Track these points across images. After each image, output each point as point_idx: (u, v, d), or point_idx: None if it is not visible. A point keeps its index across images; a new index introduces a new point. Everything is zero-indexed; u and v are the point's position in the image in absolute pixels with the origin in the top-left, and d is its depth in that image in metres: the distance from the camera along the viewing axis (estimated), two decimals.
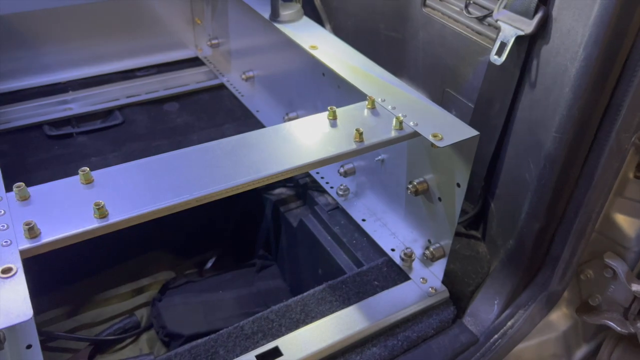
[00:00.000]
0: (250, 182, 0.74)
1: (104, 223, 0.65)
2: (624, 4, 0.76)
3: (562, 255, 0.96)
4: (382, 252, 1.13)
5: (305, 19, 1.22)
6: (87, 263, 1.36)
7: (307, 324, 0.96)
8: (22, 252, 0.60)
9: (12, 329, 0.91)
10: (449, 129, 0.85)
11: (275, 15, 1.18)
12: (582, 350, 1.14)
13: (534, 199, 0.93)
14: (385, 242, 1.13)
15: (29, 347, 0.89)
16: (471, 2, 1.06)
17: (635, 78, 0.81)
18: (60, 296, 1.32)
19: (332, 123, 0.86)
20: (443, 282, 1.04)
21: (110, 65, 1.70)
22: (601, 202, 0.92)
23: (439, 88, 1.19)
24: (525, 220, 0.95)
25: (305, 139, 0.83)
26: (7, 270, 0.57)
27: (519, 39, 0.92)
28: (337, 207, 1.27)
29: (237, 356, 0.90)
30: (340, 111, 0.88)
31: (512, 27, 0.92)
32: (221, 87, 1.69)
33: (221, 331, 0.95)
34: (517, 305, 1.01)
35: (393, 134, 0.85)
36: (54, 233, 0.63)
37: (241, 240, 1.54)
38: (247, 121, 1.53)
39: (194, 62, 1.80)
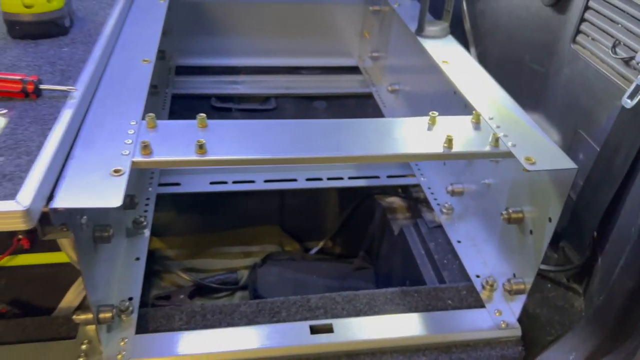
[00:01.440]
0: (327, 157, 0.82)
1: (201, 158, 0.78)
2: None
3: None
4: (467, 277, 1.11)
5: (450, 37, 1.26)
6: (213, 221, 1.56)
7: (366, 315, 1.00)
8: (133, 163, 0.75)
9: (130, 242, 1.10)
10: (546, 156, 0.83)
11: (420, 30, 1.24)
12: None
13: (631, 253, 0.84)
14: (473, 267, 1.11)
15: (137, 259, 1.07)
16: (620, 43, 1.00)
17: None
18: (183, 240, 1.52)
19: (429, 127, 0.90)
20: (521, 321, 0.99)
21: (281, 60, 1.91)
22: None
23: (572, 127, 1.14)
24: (619, 275, 0.87)
25: (397, 135, 0.88)
26: (118, 171, 0.73)
27: None
28: (440, 226, 1.27)
29: (295, 321, 0.97)
30: (442, 118, 0.91)
31: None
32: (369, 96, 1.79)
33: (290, 297, 1.03)
34: None
35: (486, 149, 0.85)
36: (161, 155, 0.77)
37: (348, 238, 1.61)
38: None
39: (354, 70, 1.94)
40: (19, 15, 0.99)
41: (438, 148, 0.84)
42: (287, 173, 1.44)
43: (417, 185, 1.41)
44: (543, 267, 1.11)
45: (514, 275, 1.01)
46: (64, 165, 0.73)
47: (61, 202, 0.67)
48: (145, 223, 1.14)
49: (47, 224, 0.69)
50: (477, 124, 0.91)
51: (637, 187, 0.93)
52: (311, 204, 1.63)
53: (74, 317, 0.85)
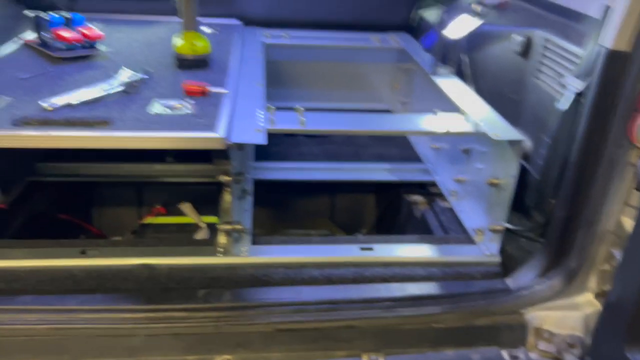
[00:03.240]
0: (376, 130, 1.39)
1: (303, 127, 1.36)
2: None
3: (580, 242, 1.35)
4: (467, 232, 1.63)
5: (455, 77, 1.86)
6: (284, 212, 2.12)
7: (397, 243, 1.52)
8: (268, 129, 1.34)
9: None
10: (507, 134, 1.38)
11: (433, 72, 1.85)
12: None
13: (561, 199, 1.36)
14: (470, 224, 1.63)
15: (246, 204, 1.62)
16: (561, 75, 1.57)
17: None
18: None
19: (434, 118, 1.47)
20: (501, 254, 1.50)
21: (328, 104, 2.52)
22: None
23: (536, 132, 1.68)
24: (555, 208, 1.39)
25: (417, 122, 1.45)
26: (259, 130, 1.31)
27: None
28: (450, 209, 1.80)
29: (346, 244, 1.50)
30: (443, 113, 1.48)
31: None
32: None
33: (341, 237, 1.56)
34: (546, 277, 1.41)
35: (470, 130, 1.42)
36: (278, 126, 1.36)
37: (382, 227, 2.13)
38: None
39: (385, 112, 2.54)
40: (185, 55, 1.63)
41: (442, 129, 1.41)
42: (338, 173, 2.01)
43: (433, 184, 1.95)
44: (519, 228, 1.62)
45: (494, 221, 1.53)
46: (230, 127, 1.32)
47: (234, 139, 1.25)
48: (249, 191, 1.71)
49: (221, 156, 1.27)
50: (465, 119, 1.48)
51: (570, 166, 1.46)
52: (354, 203, 2.19)
53: (221, 226, 1.40)
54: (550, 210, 1.56)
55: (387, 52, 2.42)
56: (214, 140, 1.20)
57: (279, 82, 2.41)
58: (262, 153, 2.05)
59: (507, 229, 1.52)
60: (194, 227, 1.83)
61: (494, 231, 1.49)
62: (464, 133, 1.43)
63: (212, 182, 1.96)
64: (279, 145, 2.14)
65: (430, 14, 2.53)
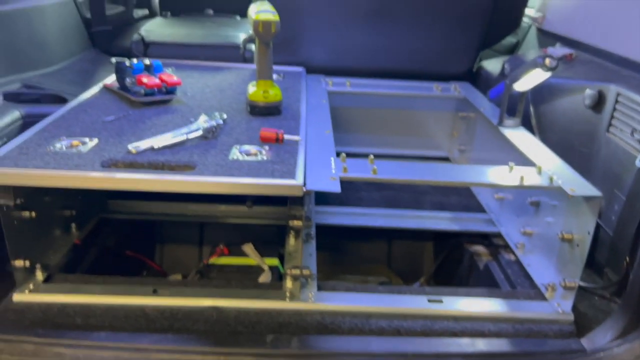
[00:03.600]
0: (447, 181, 1.39)
1: (375, 176, 1.37)
2: None
3: None
4: (537, 287, 1.58)
5: (521, 127, 1.85)
6: (340, 256, 2.12)
7: (465, 296, 1.49)
8: (341, 177, 1.36)
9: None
10: (583, 189, 1.36)
11: (500, 122, 1.84)
12: None
13: None
14: (540, 279, 1.58)
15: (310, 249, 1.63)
16: (635, 129, 1.55)
17: None
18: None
19: (509, 170, 1.45)
20: (574, 311, 1.45)
21: (388, 150, 2.54)
22: None
23: (609, 188, 1.64)
24: (635, 266, 1.34)
25: (490, 174, 1.44)
26: (335, 178, 1.33)
27: None
28: (516, 261, 1.76)
29: (412, 294, 1.48)
30: (516, 167, 1.47)
31: None
32: None
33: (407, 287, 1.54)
34: (625, 339, 1.35)
35: (545, 184, 1.40)
36: (351, 174, 1.38)
37: (441, 276, 2.10)
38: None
39: (444, 160, 2.54)
40: (258, 102, 1.69)
41: (516, 181, 1.40)
42: (397, 220, 2.00)
43: (496, 235, 1.91)
44: (591, 285, 1.57)
45: (567, 277, 1.48)
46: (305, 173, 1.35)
47: (310, 186, 1.27)
48: (312, 236, 1.72)
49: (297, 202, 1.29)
50: (539, 172, 1.46)
51: None
52: (412, 251, 2.17)
53: (289, 270, 1.42)
54: (625, 269, 1.51)
55: (447, 100, 2.44)
56: (294, 187, 1.23)
57: (339, 128, 2.45)
58: (321, 197, 2.07)
59: (579, 287, 1.48)
60: (256, 269, 1.85)
61: (567, 288, 1.45)
62: (538, 187, 1.42)
63: (272, 224, 2.00)
64: None
65: (491, 65, 2.55)
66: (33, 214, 1.39)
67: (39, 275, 1.44)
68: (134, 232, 2.06)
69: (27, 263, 1.40)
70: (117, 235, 1.97)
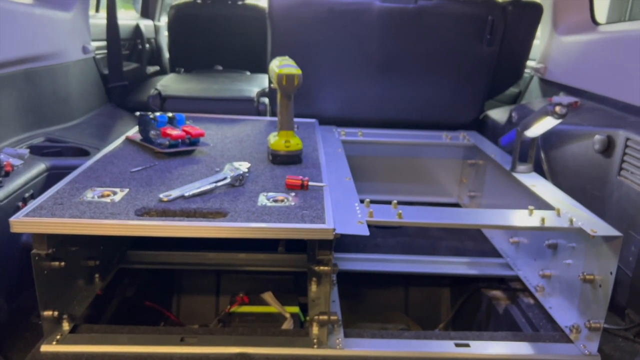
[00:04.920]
0: (465, 223, 1.42)
1: (398, 220, 1.41)
2: None
3: None
4: (560, 329, 1.59)
5: (534, 173, 1.90)
6: (358, 304, 2.12)
7: (492, 340, 1.49)
8: (367, 221, 1.39)
9: None
10: (602, 229, 1.39)
11: (513, 168, 1.90)
12: None
13: None
14: (563, 321, 1.59)
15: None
16: None
17: None
18: None
19: (529, 214, 1.49)
20: (600, 353, 1.45)
21: (398, 197, 2.55)
22: None
23: (625, 229, 1.67)
24: None
25: (511, 217, 1.48)
26: (360, 222, 1.36)
27: None
28: (535, 304, 1.77)
29: (439, 339, 1.49)
30: (536, 211, 1.51)
31: None
32: None
33: (432, 332, 1.55)
34: None
35: (566, 225, 1.43)
36: (377, 218, 1.41)
37: (459, 322, 2.09)
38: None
39: (454, 206, 2.58)
40: (279, 151, 1.74)
41: (537, 223, 1.43)
42: (413, 265, 2.02)
43: (513, 279, 1.93)
44: (614, 327, 1.58)
45: (591, 318, 1.49)
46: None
47: (340, 230, 1.30)
48: (334, 282, 1.74)
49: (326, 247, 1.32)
50: (558, 215, 1.50)
51: None
52: (428, 297, 2.17)
53: (315, 317, 1.42)
54: None
55: (456, 148, 2.51)
56: (325, 231, 1.26)
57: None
58: (339, 244, 2.09)
59: (603, 328, 1.49)
60: (277, 317, 1.84)
61: (592, 329, 1.46)
62: (559, 228, 1.45)
63: (289, 271, 2.02)
64: (354, 236, 2.19)
65: (497, 114, 2.65)
66: (62, 263, 1.41)
67: (66, 325, 1.44)
68: (152, 282, 2.06)
69: (55, 314, 1.40)
70: (136, 286, 1.97)
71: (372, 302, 2.20)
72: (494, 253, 2.10)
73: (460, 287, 2.11)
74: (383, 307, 2.19)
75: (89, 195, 1.42)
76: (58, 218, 1.26)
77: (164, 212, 1.34)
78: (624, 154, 1.71)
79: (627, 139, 1.70)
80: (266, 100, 2.69)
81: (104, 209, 1.33)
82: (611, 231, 1.39)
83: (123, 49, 3.36)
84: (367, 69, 2.54)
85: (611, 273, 1.40)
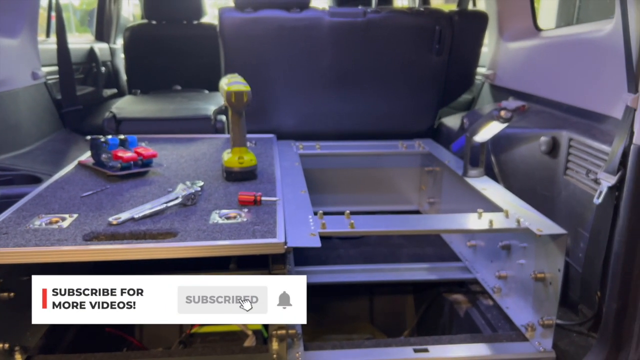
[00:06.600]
0: (422, 229, 1.44)
1: (350, 230, 1.42)
2: None
3: (638, 334, 1.35)
4: (517, 328, 1.62)
5: (485, 177, 1.94)
6: (323, 317, 2.12)
7: (449, 343, 1.51)
8: (320, 233, 1.40)
9: None
10: (548, 228, 1.43)
11: (465, 173, 1.94)
12: None
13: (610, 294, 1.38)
14: (518, 320, 1.63)
15: None
16: (589, 170, 1.66)
17: None
18: None
19: (478, 217, 1.53)
20: (555, 349, 1.48)
21: (360, 207, 2.61)
22: None
23: (573, 227, 1.73)
24: (607, 301, 1.40)
25: (461, 220, 1.51)
26: (314, 234, 1.37)
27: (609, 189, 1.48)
28: (493, 306, 1.80)
29: (398, 346, 1.50)
30: (485, 213, 1.55)
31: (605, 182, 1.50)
32: None
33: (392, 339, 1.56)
34: None
35: (513, 226, 1.47)
36: (330, 229, 1.42)
37: (423, 328, 2.11)
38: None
39: (415, 213, 2.61)
40: (233, 168, 1.74)
41: (485, 226, 1.46)
42: (376, 274, 2.03)
43: (473, 282, 1.96)
44: (568, 322, 1.62)
45: (544, 316, 1.53)
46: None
47: (292, 243, 1.31)
48: None
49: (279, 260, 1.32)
50: (506, 216, 1.54)
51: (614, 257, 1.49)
52: (393, 305, 2.19)
53: (274, 332, 1.42)
54: (598, 303, 1.57)
55: (412, 156, 2.55)
56: (276, 245, 1.26)
57: (312, 189, 2.51)
58: (300, 257, 2.09)
59: (557, 325, 1.53)
60: (240, 335, 1.83)
61: (546, 326, 1.49)
62: (506, 229, 1.49)
63: None
64: (316, 249, 2.19)
65: (451, 121, 2.70)
66: (12, 294, 1.38)
67: (19, 358, 1.41)
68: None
69: (7, 346, 1.36)
70: None
71: (338, 313, 2.21)
72: (454, 257, 2.14)
73: (423, 293, 2.13)
74: (349, 317, 2.20)
75: (36, 222, 1.39)
76: (2, 248, 1.23)
77: (113, 235, 1.32)
78: (568, 153, 1.77)
79: (570, 139, 1.76)
80: (223, 117, 2.69)
81: (51, 236, 1.30)
82: (557, 229, 1.43)
83: (77, 73, 3.32)
84: (322, 83, 2.57)
85: (559, 270, 1.44)
